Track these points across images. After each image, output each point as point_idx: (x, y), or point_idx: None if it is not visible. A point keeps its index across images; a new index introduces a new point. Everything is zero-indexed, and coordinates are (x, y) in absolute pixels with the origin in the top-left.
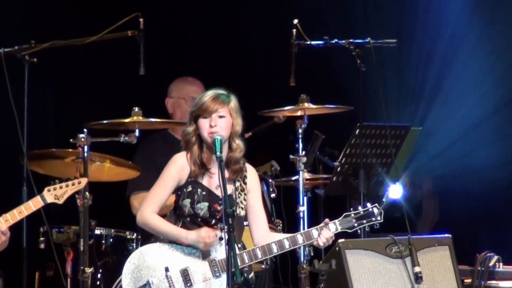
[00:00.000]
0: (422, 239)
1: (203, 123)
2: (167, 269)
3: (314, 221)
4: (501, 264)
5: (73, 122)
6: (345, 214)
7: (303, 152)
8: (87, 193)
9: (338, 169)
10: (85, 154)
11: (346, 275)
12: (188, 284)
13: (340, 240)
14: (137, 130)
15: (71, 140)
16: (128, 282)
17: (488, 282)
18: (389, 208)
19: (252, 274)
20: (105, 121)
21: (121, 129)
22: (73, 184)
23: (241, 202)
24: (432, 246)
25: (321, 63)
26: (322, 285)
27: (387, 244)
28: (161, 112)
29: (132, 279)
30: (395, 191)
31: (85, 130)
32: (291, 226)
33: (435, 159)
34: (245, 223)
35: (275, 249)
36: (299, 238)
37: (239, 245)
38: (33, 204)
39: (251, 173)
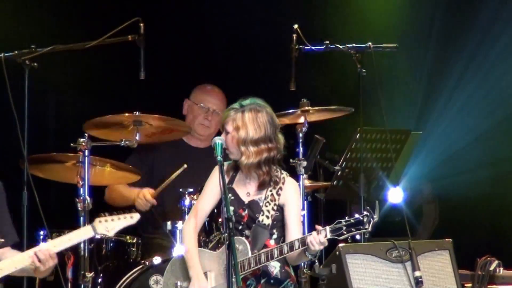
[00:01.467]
0: (422, 243)
1: None
2: None
3: (314, 225)
4: (501, 268)
5: (73, 127)
6: (337, 221)
7: (304, 157)
8: (87, 197)
9: (339, 173)
10: (86, 158)
11: (346, 279)
12: None
13: (341, 245)
14: (137, 134)
15: (71, 144)
16: (164, 284)
17: (489, 286)
18: (390, 212)
19: (288, 282)
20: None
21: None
22: (125, 218)
23: (268, 211)
24: (433, 251)
25: (322, 67)
26: None
27: (387, 249)
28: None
29: (167, 283)
30: (395, 195)
31: (85, 134)
32: None
33: (435, 163)
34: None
35: (276, 253)
36: (296, 243)
37: (255, 251)
38: (83, 233)
39: (289, 187)
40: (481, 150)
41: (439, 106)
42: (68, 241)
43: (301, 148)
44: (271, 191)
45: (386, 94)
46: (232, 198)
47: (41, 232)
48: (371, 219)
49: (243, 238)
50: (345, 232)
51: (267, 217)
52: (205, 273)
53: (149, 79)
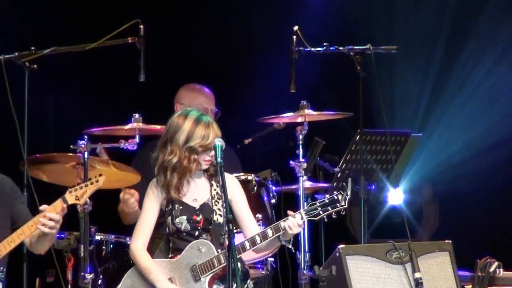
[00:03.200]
0: (422, 245)
1: (204, 156)
2: None
3: (314, 226)
4: (501, 269)
5: (73, 129)
6: (310, 203)
7: (304, 158)
8: (87, 199)
9: (339, 175)
10: (86, 160)
11: (346, 281)
12: None
13: (340, 246)
14: (137, 136)
15: (71, 146)
16: None
17: None
18: (390, 214)
19: (249, 282)
20: (105, 127)
21: (122, 135)
22: (91, 183)
23: (219, 209)
24: (433, 252)
25: (322, 69)
26: None
27: (387, 250)
28: (162, 118)
29: None
30: (395, 197)
31: (85, 136)
32: None
33: (435, 164)
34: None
35: (247, 245)
36: (269, 232)
37: (218, 250)
38: (55, 207)
39: (230, 182)
40: (481, 152)
41: (440, 108)
42: (44, 217)
43: (301, 150)
44: (215, 189)
45: (386, 95)
46: (181, 208)
47: None
48: (346, 196)
49: (205, 240)
50: (321, 212)
51: (220, 215)
52: (171, 278)
53: (149, 81)
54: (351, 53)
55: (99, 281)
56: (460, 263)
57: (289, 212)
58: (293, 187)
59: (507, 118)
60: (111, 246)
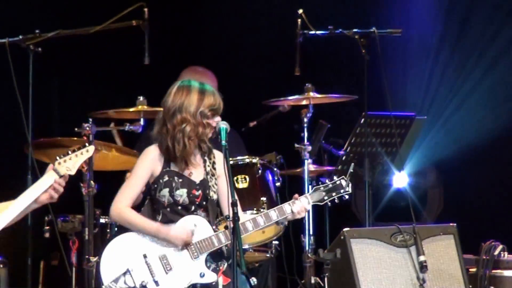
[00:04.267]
0: (427, 228)
1: (211, 121)
2: (145, 256)
3: (319, 209)
4: (506, 253)
5: (78, 112)
6: (314, 187)
7: (308, 141)
8: (92, 182)
9: (343, 158)
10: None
11: (351, 264)
12: (168, 269)
13: (345, 229)
14: (142, 119)
15: (76, 129)
16: (108, 272)
17: (493, 271)
18: (394, 197)
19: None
20: (111, 111)
21: (126, 118)
22: (81, 154)
23: (213, 186)
24: (437, 235)
25: (326, 52)
26: (327, 274)
27: (392, 233)
28: None
29: (112, 268)
30: (400, 180)
31: (90, 119)
32: None
33: (440, 148)
34: None
35: (250, 227)
36: (273, 214)
37: (214, 227)
38: (49, 179)
39: (219, 159)
40: (486, 135)
41: (445, 91)
42: (36, 190)
43: (305, 133)
44: (208, 166)
45: (391, 78)
46: (181, 180)
47: (46, 217)
48: (349, 181)
49: (200, 217)
50: (326, 197)
51: (214, 192)
52: (164, 255)
53: (154, 64)
54: (356, 36)
55: None
56: (465, 247)
57: (295, 196)
58: (298, 170)
59: None
60: (116, 229)
